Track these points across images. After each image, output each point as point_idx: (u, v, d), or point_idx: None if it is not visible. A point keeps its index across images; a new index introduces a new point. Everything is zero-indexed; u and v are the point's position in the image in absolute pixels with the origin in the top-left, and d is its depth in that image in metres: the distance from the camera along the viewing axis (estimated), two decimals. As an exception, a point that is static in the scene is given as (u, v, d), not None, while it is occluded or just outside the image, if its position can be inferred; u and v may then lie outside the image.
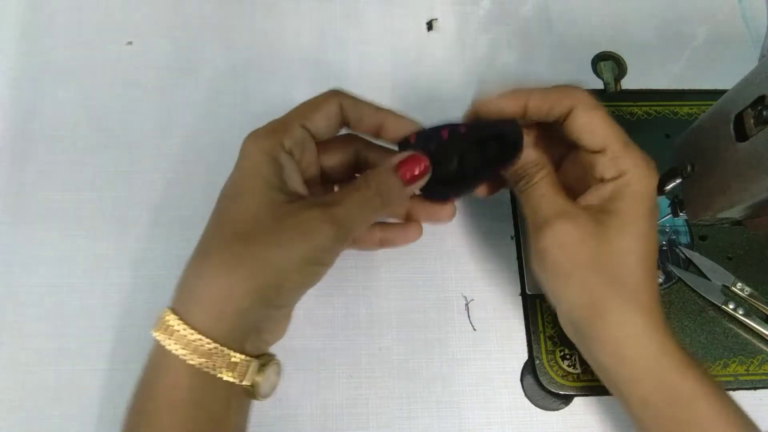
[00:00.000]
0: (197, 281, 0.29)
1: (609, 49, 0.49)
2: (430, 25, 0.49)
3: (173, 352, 0.28)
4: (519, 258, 0.42)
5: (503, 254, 0.42)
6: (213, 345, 0.28)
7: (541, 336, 0.40)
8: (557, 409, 0.39)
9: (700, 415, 0.30)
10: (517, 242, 0.42)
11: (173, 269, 0.40)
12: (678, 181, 0.35)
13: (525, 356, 0.40)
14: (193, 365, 0.28)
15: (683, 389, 0.30)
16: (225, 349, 0.28)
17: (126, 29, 0.47)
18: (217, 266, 0.29)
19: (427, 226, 0.43)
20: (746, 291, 0.40)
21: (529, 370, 0.39)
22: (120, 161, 0.43)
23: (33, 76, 0.45)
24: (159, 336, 0.29)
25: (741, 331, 0.40)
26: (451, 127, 0.33)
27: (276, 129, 0.32)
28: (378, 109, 0.34)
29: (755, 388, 0.39)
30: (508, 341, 0.40)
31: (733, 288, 0.41)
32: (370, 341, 0.40)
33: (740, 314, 0.40)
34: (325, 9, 0.49)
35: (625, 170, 0.31)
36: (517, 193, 0.35)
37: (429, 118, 0.34)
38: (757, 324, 0.40)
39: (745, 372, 0.39)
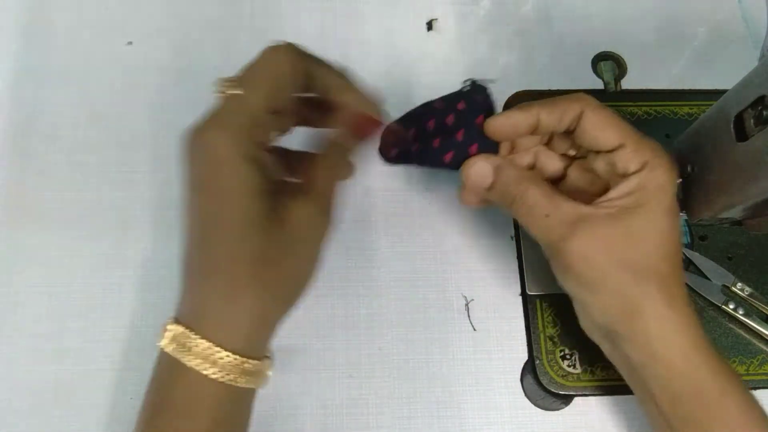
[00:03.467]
0: (225, 307, 0.28)
1: (609, 49, 0.49)
2: (430, 25, 0.49)
3: (206, 373, 0.28)
4: (519, 258, 0.42)
5: (503, 254, 0.42)
6: (246, 362, 0.29)
7: (541, 336, 0.40)
8: (557, 409, 0.39)
9: (729, 413, 0.30)
10: (517, 242, 0.42)
11: (173, 269, 0.40)
12: (678, 181, 0.35)
13: (525, 356, 0.40)
14: (225, 382, 0.28)
15: (714, 386, 0.30)
16: (253, 361, 0.29)
17: (126, 29, 0.47)
18: (244, 292, 0.28)
19: (426, 226, 0.43)
20: (746, 291, 0.40)
21: (529, 370, 0.39)
22: (120, 161, 0.43)
23: (33, 76, 0.45)
24: (186, 358, 0.28)
25: (741, 331, 0.40)
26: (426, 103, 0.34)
27: (246, 125, 0.29)
28: (336, 73, 0.32)
29: (755, 388, 0.39)
30: (508, 341, 0.40)
31: (733, 288, 0.41)
32: (370, 341, 0.40)
33: (740, 314, 0.40)
34: (325, 9, 0.49)
35: (648, 160, 0.31)
36: (517, 218, 0.33)
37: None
38: (757, 324, 0.40)
39: (745, 372, 0.39)
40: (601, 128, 0.32)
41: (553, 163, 0.36)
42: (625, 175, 0.31)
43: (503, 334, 0.40)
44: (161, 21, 0.47)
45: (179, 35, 0.47)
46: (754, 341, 0.40)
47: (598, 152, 0.33)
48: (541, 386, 0.39)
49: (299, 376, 0.38)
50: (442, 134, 0.34)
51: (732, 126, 0.30)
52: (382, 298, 0.41)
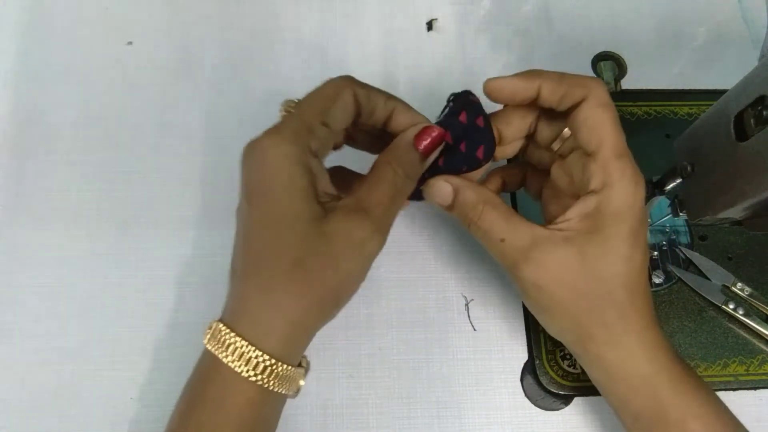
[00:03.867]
0: (265, 310, 0.29)
1: (609, 49, 0.49)
2: (430, 25, 0.49)
3: (245, 375, 0.28)
4: (519, 258, 0.42)
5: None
6: (283, 366, 0.29)
7: (541, 336, 0.40)
8: (557, 409, 0.39)
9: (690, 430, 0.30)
10: (517, 242, 0.42)
11: (173, 269, 0.40)
12: (678, 181, 0.35)
13: (525, 356, 0.40)
14: (260, 384, 0.28)
15: (674, 408, 0.30)
16: (289, 367, 0.29)
17: (126, 29, 0.47)
18: (283, 296, 0.29)
19: (426, 226, 0.43)
20: (746, 291, 0.40)
21: (529, 370, 0.39)
22: (120, 161, 0.43)
23: (33, 76, 0.45)
24: (227, 358, 0.28)
25: (741, 331, 0.40)
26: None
27: (299, 131, 0.29)
28: (388, 98, 0.33)
29: (755, 388, 0.39)
30: (508, 341, 0.40)
31: (733, 288, 0.41)
32: (370, 341, 0.40)
33: (740, 314, 0.40)
34: (325, 9, 0.49)
35: (611, 182, 0.30)
36: (477, 239, 0.33)
37: (429, 118, 0.34)
38: (757, 324, 0.40)
39: (745, 372, 0.39)
40: (588, 126, 0.31)
41: (540, 154, 0.35)
42: (586, 191, 0.31)
43: (503, 334, 0.40)
44: (161, 21, 0.47)
45: (179, 35, 0.47)
46: (754, 341, 0.40)
47: (578, 151, 0.32)
48: (541, 386, 0.39)
49: (299, 376, 0.38)
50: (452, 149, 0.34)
51: (732, 126, 0.30)
52: (382, 298, 0.41)
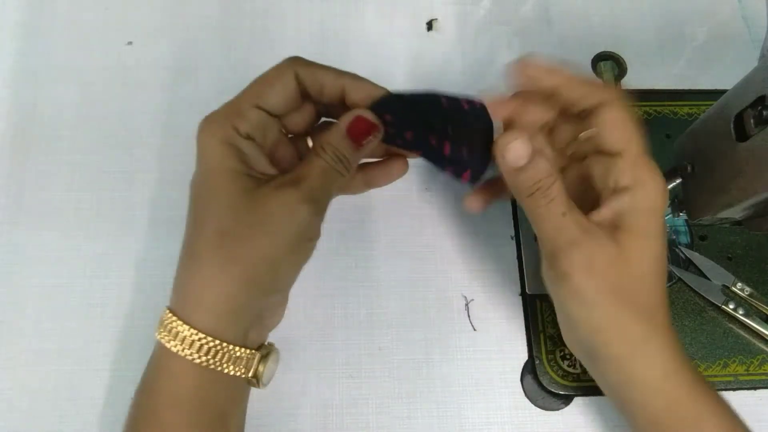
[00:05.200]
0: (193, 283, 0.29)
1: (609, 49, 0.49)
2: (430, 25, 0.49)
3: (178, 352, 0.28)
4: (519, 258, 0.42)
5: (503, 254, 0.42)
6: (217, 342, 0.28)
7: (541, 336, 0.40)
8: (557, 409, 0.39)
9: None
10: (517, 242, 0.42)
11: (173, 269, 0.40)
12: (678, 181, 0.35)
13: (525, 356, 0.40)
14: (198, 363, 0.28)
15: (692, 409, 0.30)
16: (229, 345, 0.29)
17: (126, 29, 0.47)
18: (209, 267, 0.29)
19: (426, 226, 0.43)
20: (746, 291, 0.40)
21: (529, 370, 0.39)
22: (120, 161, 0.43)
23: (33, 76, 0.45)
24: (162, 337, 0.29)
25: (741, 331, 0.40)
26: (435, 96, 0.33)
27: (228, 114, 0.31)
28: (339, 74, 0.32)
29: (755, 388, 0.39)
30: (508, 341, 0.40)
31: (733, 288, 0.41)
32: (370, 341, 0.40)
33: (740, 314, 0.40)
34: (325, 9, 0.49)
35: (642, 180, 0.30)
36: (530, 211, 0.31)
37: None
38: (757, 324, 0.40)
39: (745, 372, 0.39)
40: (613, 127, 0.30)
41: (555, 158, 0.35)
42: (615, 189, 0.30)
43: (503, 334, 0.40)
44: (161, 21, 0.47)
45: (179, 35, 0.47)
46: (754, 341, 0.40)
47: (598, 153, 0.32)
48: (541, 386, 0.39)
49: (299, 376, 0.38)
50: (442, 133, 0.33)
51: (732, 126, 0.30)
52: (382, 298, 0.41)
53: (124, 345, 0.38)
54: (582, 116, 0.32)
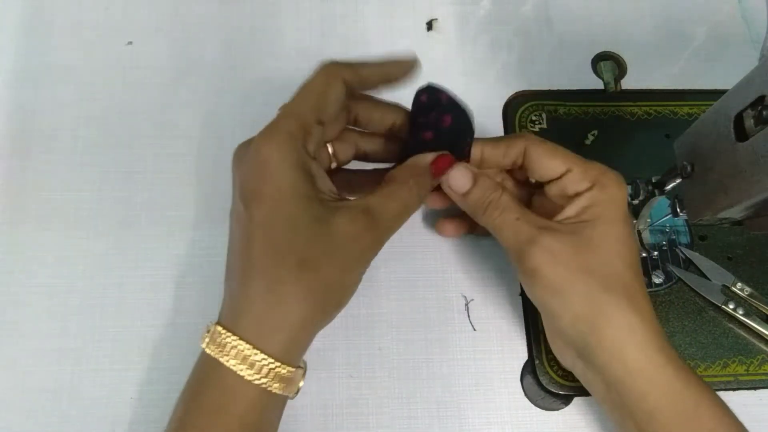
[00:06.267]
0: (269, 311, 0.29)
1: (609, 49, 0.49)
2: (430, 25, 0.49)
3: (249, 378, 0.28)
4: (519, 258, 0.42)
5: (503, 254, 0.42)
6: (287, 369, 0.29)
7: (541, 336, 0.40)
8: (557, 409, 0.39)
9: (704, 423, 0.30)
10: (517, 242, 0.42)
11: (173, 269, 0.40)
12: (678, 181, 0.35)
13: (525, 356, 0.40)
14: (265, 387, 0.28)
15: (688, 398, 0.30)
16: (292, 368, 0.29)
17: (126, 29, 0.47)
18: (289, 297, 0.29)
19: (427, 226, 0.43)
20: (746, 291, 0.40)
21: (529, 370, 0.39)
22: (120, 161, 0.43)
23: (33, 76, 0.45)
24: (232, 365, 0.28)
25: (741, 331, 0.40)
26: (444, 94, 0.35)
27: (296, 133, 0.29)
28: (379, 64, 0.34)
29: (755, 388, 0.39)
30: (508, 341, 0.40)
31: (733, 288, 0.41)
32: (370, 341, 0.40)
33: (740, 314, 0.40)
34: (325, 9, 0.49)
35: (597, 178, 0.32)
36: (489, 225, 0.34)
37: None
38: (757, 324, 0.40)
39: (745, 372, 0.39)
40: (547, 158, 0.33)
41: (518, 191, 0.38)
42: (576, 195, 0.33)
43: (503, 334, 0.40)
44: (161, 21, 0.47)
45: (179, 35, 0.47)
46: (754, 341, 0.40)
47: (549, 181, 0.34)
48: (541, 386, 0.39)
49: (299, 376, 0.38)
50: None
51: (732, 126, 0.30)
52: (382, 298, 0.41)
53: (124, 345, 0.38)
54: (517, 166, 0.35)
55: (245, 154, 0.30)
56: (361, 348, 0.39)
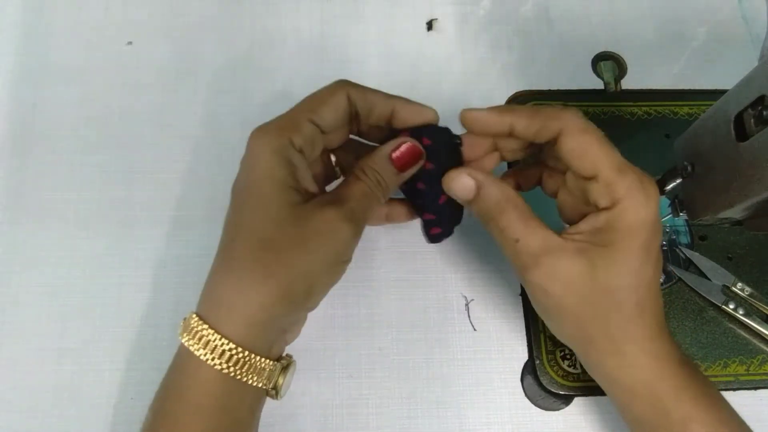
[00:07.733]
0: (228, 291, 0.29)
1: (609, 49, 0.49)
2: (430, 25, 0.49)
3: (204, 359, 0.28)
4: (519, 258, 0.42)
5: (503, 254, 0.42)
6: (246, 353, 0.28)
7: (541, 336, 0.40)
8: (557, 409, 0.39)
9: None
10: (517, 242, 0.42)
11: (173, 269, 0.40)
12: (678, 181, 0.35)
13: (525, 356, 0.40)
14: (225, 373, 0.28)
15: (676, 413, 0.30)
16: (255, 356, 0.29)
17: (126, 29, 0.47)
18: (248, 276, 0.29)
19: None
20: (746, 291, 0.40)
21: (529, 370, 0.39)
22: (120, 161, 0.43)
23: (33, 76, 0.45)
24: (190, 344, 0.29)
25: (741, 331, 0.40)
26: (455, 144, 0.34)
27: (285, 126, 0.31)
28: (388, 97, 0.33)
29: (755, 388, 0.39)
30: (508, 341, 0.40)
31: (733, 288, 0.41)
32: (370, 341, 0.40)
33: (740, 314, 0.40)
34: (325, 9, 0.49)
35: (619, 199, 0.29)
36: (491, 234, 0.33)
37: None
38: (757, 324, 0.40)
39: (746, 372, 0.39)
40: (577, 156, 0.30)
41: (552, 182, 0.35)
42: (596, 207, 0.30)
43: (503, 334, 0.40)
44: (161, 21, 0.47)
45: (179, 35, 0.47)
46: (754, 341, 0.40)
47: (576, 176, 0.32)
48: (541, 386, 0.39)
49: (299, 376, 0.38)
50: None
51: (732, 126, 0.30)
52: (382, 298, 0.41)
53: (124, 345, 0.38)
54: (551, 145, 0.32)
55: (246, 144, 0.31)
56: (361, 348, 0.39)
